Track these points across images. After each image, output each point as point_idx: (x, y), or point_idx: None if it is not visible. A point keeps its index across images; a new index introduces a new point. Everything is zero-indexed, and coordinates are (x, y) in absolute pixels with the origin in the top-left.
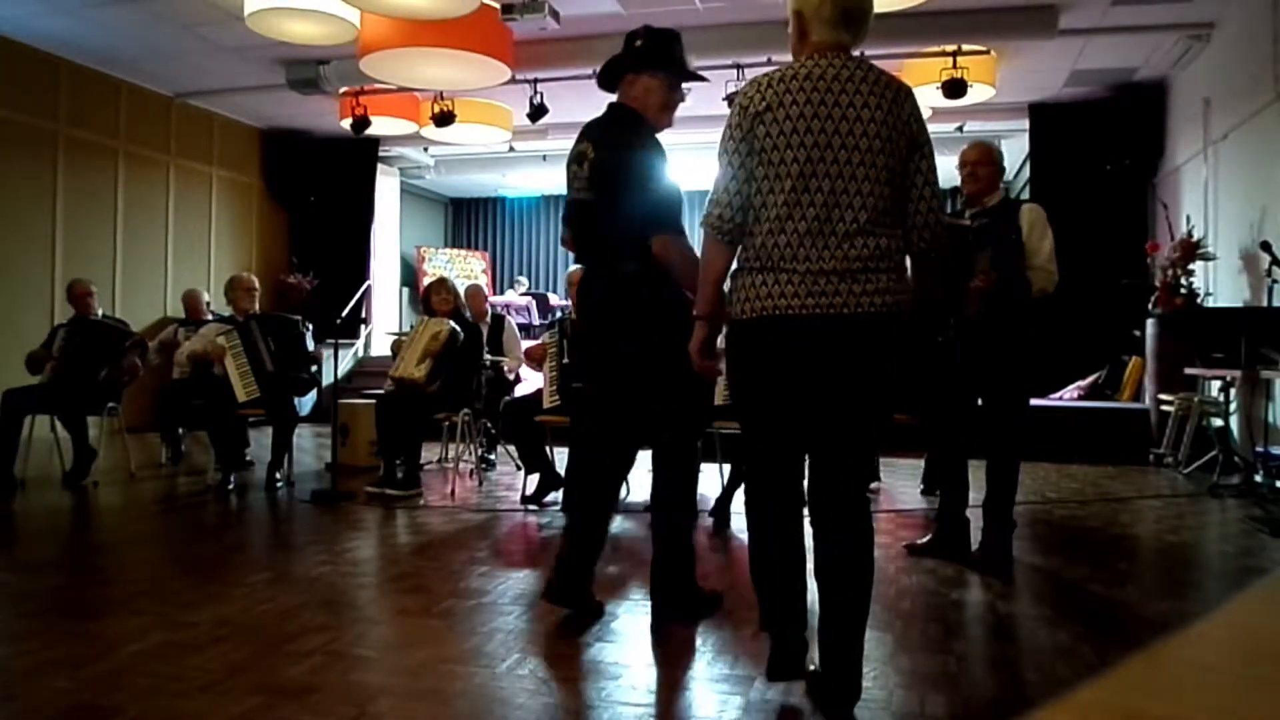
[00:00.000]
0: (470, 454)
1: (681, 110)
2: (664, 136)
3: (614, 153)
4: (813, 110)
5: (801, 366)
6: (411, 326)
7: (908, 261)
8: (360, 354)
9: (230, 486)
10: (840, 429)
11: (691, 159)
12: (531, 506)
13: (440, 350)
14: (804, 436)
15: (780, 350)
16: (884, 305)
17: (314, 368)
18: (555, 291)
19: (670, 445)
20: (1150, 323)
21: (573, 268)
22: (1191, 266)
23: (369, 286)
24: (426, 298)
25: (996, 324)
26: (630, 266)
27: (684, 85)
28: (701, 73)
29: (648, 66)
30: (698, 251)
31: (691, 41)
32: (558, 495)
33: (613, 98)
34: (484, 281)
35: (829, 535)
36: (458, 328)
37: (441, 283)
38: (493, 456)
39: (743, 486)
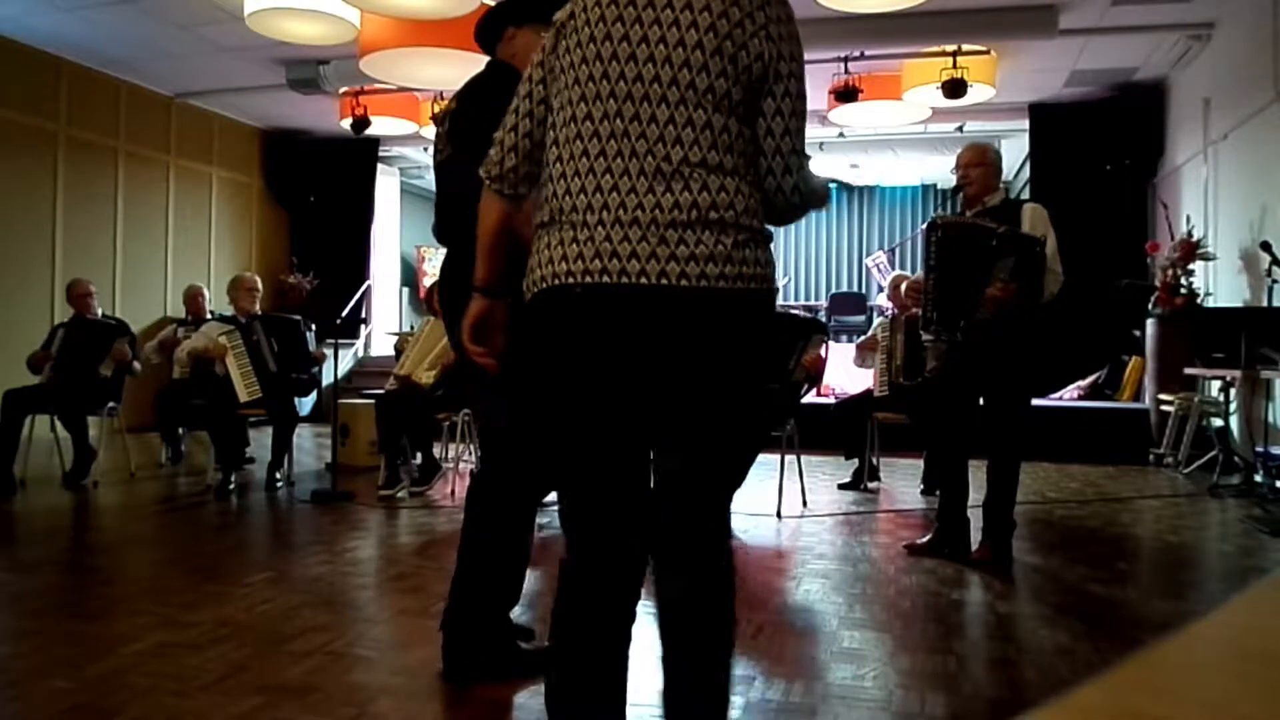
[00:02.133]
0: (470, 454)
1: None
2: None
3: (478, 104)
4: (617, 13)
5: (595, 366)
6: (413, 326)
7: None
8: (360, 354)
9: (230, 486)
10: (673, 456)
11: None
12: None
13: (455, 364)
14: (626, 461)
15: (565, 340)
16: (716, 279)
17: (315, 369)
18: None
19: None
20: (1150, 323)
21: None
22: (1191, 266)
23: (369, 286)
24: (429, 298)
25: (1005, 329)
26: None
27: None
28: None
29: (529, 19)
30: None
31: None
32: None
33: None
34: None
35: (673, 578)
36: None
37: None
38: None
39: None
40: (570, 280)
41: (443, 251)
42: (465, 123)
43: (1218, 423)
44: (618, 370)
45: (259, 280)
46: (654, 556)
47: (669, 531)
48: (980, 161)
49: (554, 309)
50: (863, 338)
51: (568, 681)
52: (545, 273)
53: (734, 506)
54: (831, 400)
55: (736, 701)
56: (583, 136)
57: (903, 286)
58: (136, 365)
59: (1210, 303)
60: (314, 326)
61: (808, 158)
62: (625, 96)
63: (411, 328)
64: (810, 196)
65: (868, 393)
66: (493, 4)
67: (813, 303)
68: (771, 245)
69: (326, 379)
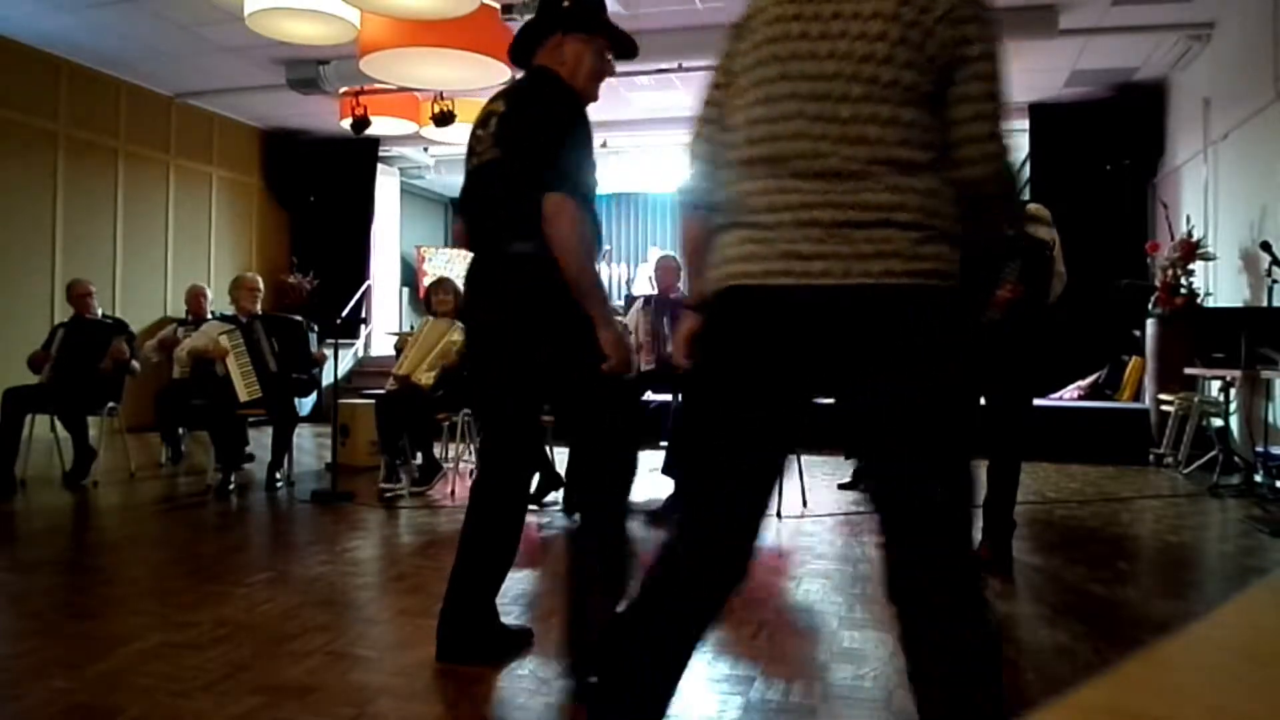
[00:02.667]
0: (470, 454)
1: (682, 110)
2: (663, 136)
3: (532, 107)
4: (795, 10)
5: (767, 366)
6: (413, 326)
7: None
8: (360, 354)
9: (230, 486)
10: (893, 475)
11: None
12: (531, 506)
13: (456, 364)
14: (767, 484)
15: (743, 339)
16: (900, 275)
17: (315, 369)
18: None
19: (596, 445)
20: (1150, 323)
21: None
22: (1191, 266)
23: (369, 286)
24: (428, 298)
25: (1012, 329)
26: (534, 241)
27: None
28: (701, 73)
29: (578, 28)
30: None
31: (691, 41)
32: (558, 495)
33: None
34: None
35: (930, 632)
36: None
37: (440, 283)
38: None
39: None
40: (749, 281)
41: (443, 252)
42: (512, 127)
43: (1218, 423)
44: (789, 371)
45: (260, 280)
46: (900, 604)
47: (913, 570)
48: None
49: (734, 309)
50: None
51: (620, 687)
52: (726, 272)
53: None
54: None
55: (736, 701)
56: (764, 138)
57: None
58: (135, 364)
59: (1210, 303)
60: (315, 327)
61: (1006, 148)
62: (808, 95)
63: (411, 327)
64: (1009, 188)
65: None
66: (497, 5)
67: None
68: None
69: (326, 379)
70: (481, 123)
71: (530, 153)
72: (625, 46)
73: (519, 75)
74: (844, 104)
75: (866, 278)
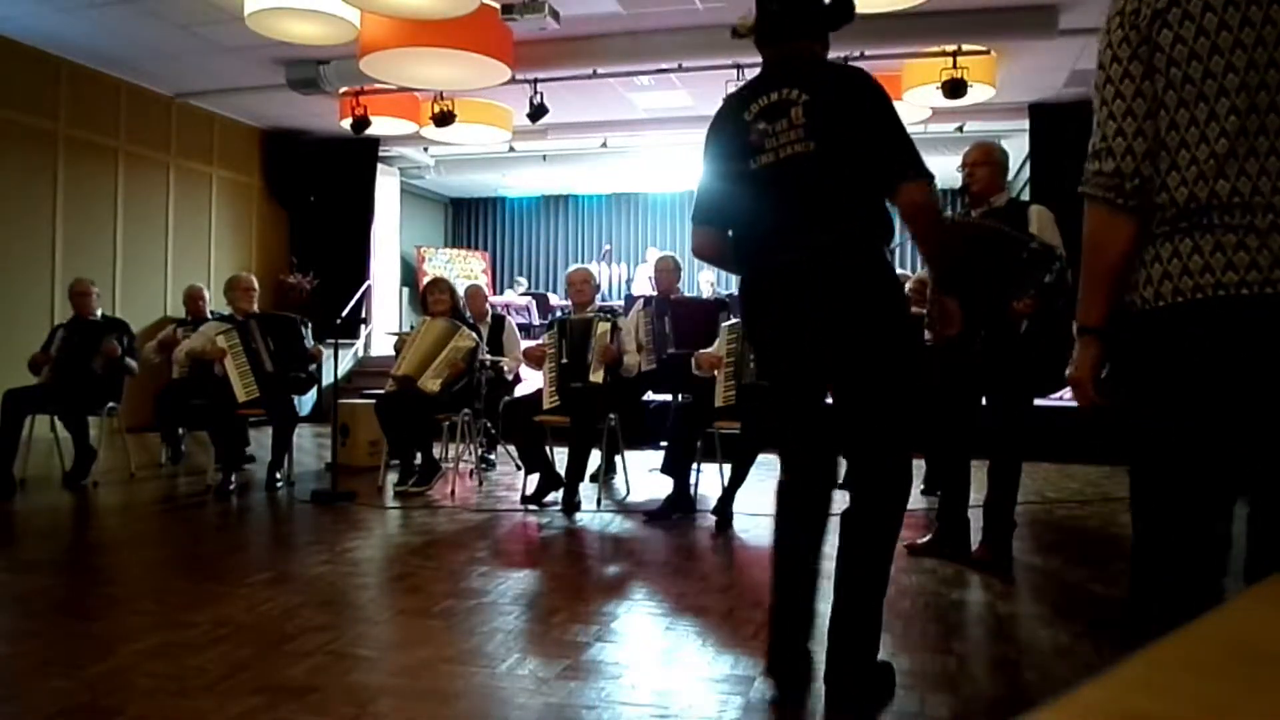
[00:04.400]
0: (470, 454)
1: (682, 110)
2: (664, 136)
3: (845, 89)
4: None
5: (1231, 386)
6: (412, 326)
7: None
8: (360, 354)
9: (230, 486)
10: None
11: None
12: (531, 506)
13: (462, 370)
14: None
15: (1241, 353)
16: None
17: (312, 366)
18: (555, 291)
19: (891, 465)
20: None
21: (573, 267)
22: None
23: (369, 286)
24: (424, 298)
25: (1023, 336)
26: (864, 234)
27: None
28: (701, 73)
29: (832, 29)
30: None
31: (691, 41)
32: (557, 495)
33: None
34: (484, 281)
35: None
36: (480, 342)
37: (435, 284)
38: (493, 456)
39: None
40: (1244, 291)
41: (443, 252)
42: (836, 116)
43: None
44: None
45: (255, 280)
46: None
47: None
48: (986, 160)
49: (1232, 318)
50: None
51: None
52: (1208, 280)
53: (735, 507)
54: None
55: (736, 702)
56: (1236, 131)
57: (906, 286)
58: (132, 364)
59: None
60: (309, 324)
61: None
62: (1259, 86)
63: (411, 327)
64: None
65: None
66: (497, 5)
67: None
68: None
69: (326, 379)
70: (769, 114)
71: (875, 141)
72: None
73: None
74: None
75: None
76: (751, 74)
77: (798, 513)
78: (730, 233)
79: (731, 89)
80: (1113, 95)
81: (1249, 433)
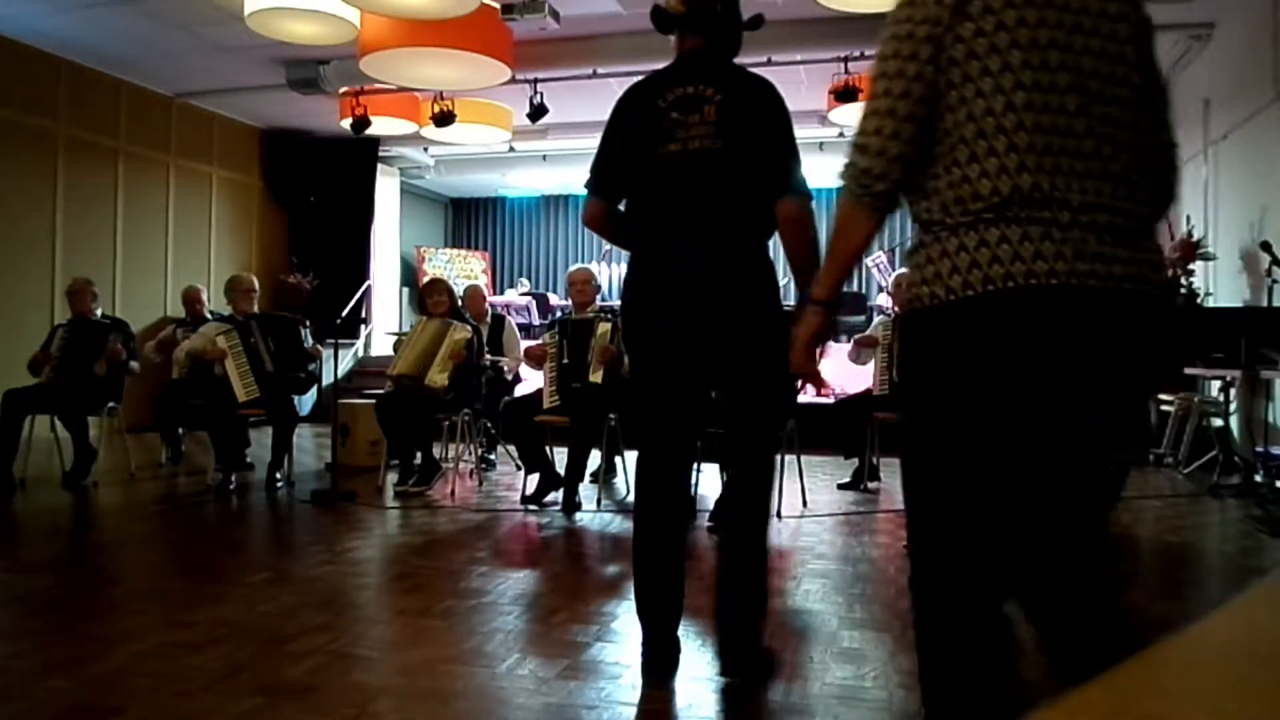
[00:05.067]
0: (470, 454)
1: None
2: None
3: (755, 99)
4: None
5: (1067, 372)
6: (411, 326)
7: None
8: (360, 354)
9: (230, 486)
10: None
11: None
12: (531, 506)
13: (464, 361)
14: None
15: (1032, 344)
16: (1144, 282)
17: (311, 366)
18: (555, 292)
19: (764, 449)
20: None
21: (574, 267)
22: (1191, 266)
23: (369, 286)
24: (422, 299)
25: None
26: (753, 235)
27: None
28: None
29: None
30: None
31: None
32: (557, 495)
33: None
34: (484, 281)
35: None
36: (471, 330)
37: (433, 285)
38: (493, 456)
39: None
40: (1054, 281)
41: (443, 252)
42: (741, 119)
43: (1218, 423)
44: (1086, 379)
45: (255, 280)
46: None
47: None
48: None
49: (1031, 309)
50: (862, 335)
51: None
52: (1014, 269)
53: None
54: (831, 400)
55: (736, 702)
56: (1034, 127)
57: (889, 283)
58: (134, 365)
59: (1210, 303)
60: (308, 323)
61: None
62: (1076, 88)
63: (410, 327)
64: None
65: (867, 392)
66: (497, 5)
67: None
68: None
69: (326, 379)
70: (682, 105)
71: (767, 152)
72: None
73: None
74: (1112, 106)
75: (1139, 284)
76: (751, 71)
77: (664, 509)
78: (623, 207)
79: None
80: (883, 90)
81: (1056, 415)
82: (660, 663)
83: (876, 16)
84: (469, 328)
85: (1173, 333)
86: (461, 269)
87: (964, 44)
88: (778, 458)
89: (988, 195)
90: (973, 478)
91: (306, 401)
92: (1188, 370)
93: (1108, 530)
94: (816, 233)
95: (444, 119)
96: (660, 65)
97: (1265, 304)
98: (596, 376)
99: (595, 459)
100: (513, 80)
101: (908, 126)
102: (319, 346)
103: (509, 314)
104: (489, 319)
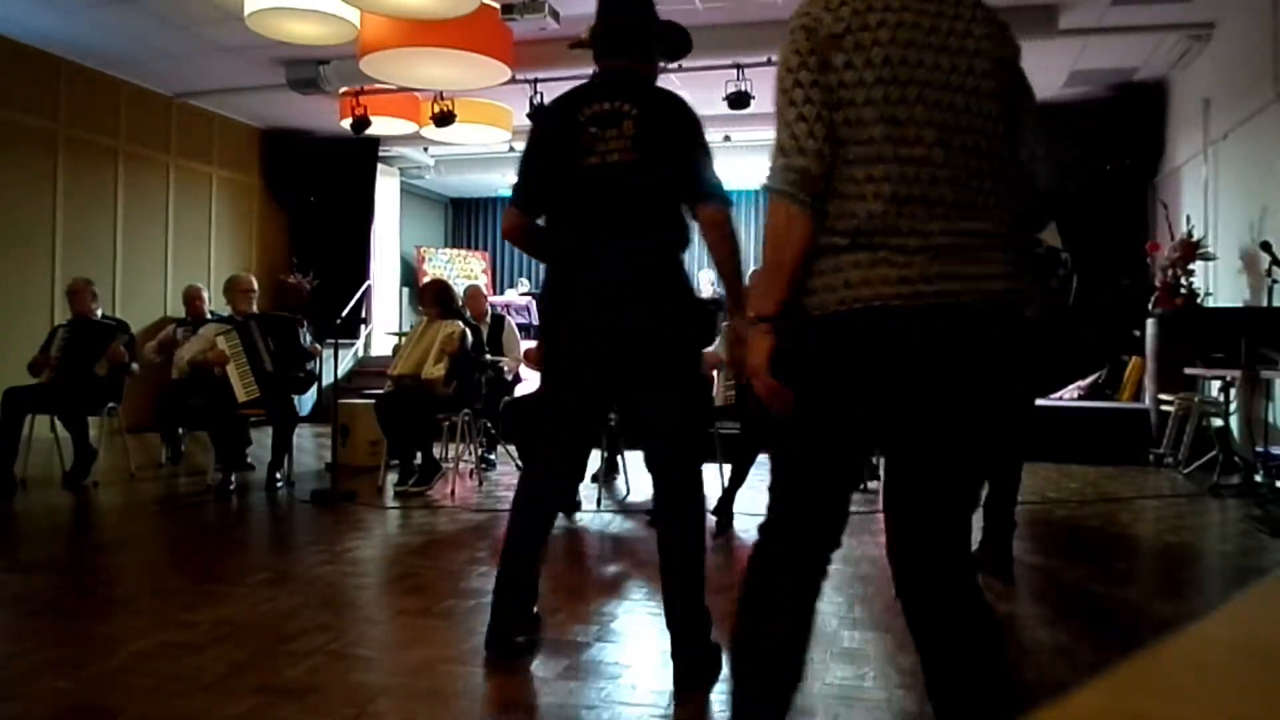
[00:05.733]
0: (470, 454)
1: None
2: None
3: (670, 113)
4: (907, 36)
5: (908, 378)
6: (412, 326)
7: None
8: (360, 354)
9: (230, 486)
10: (945, 472)
11: None
12: None
13: (458, 351)
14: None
15: (880, 355)
16: (1005, 292)
17: (310, 363)
18: None
19: (691, 450)
20: (1150, 323)
21: None
22: (1191, 266)
23: (369, 286)
24: (423, 298)
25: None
26: (671, 243)
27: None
28: (702, 73)
29: (666, 59)
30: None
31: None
32: None
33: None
34: (484, 282)
35: (958, 653)
36: (466, 328)
37: (423, 291)
38: (493, 456)
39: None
40: (896, 302)
41: (443, 252)
42: (656, 132)
43: (1218, 423)
44: (926, 383)
45: (255, 280)
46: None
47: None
48: None
49: (874, 325)
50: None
51: (753, 645)
52: (862, 292)
53: (735, 507)
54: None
55: None
56: (885, 158)
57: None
58: (134, 366)
59: (1210, 303)
60: (305, 321)
61: (1065, 157)
62: (926, 122)
63: (410, 327)
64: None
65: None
66: (497, 5)
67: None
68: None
69: (326, 379)
70: (601, 120)
71: (684, 162)
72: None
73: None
74: (969, 135)
75: (979, 296)
76: (750, 74)
77: (542, 512)
78: (542, 221)
79: (731, 89)
80: (802, 99)
81: (902, 422)
82: (495, 646)
83: None
84: (460, 324)
85: (1014, 337)
86: (461, 269)
87: (837, 73)
88: (702, 462)
89: (850, 222)
90: (810, 456)
91: (306, 401)
92: (1188, 370)
93: (954, 519)
94: (737, 237)
95: (444, 119)
96: (660, 66)
97: (1265, 304)
98: None
99: (595, 459)
100: (513, 80)
101: (820, 126)
102: (317, 345)
103: (509, 314)
104: (489, 319)
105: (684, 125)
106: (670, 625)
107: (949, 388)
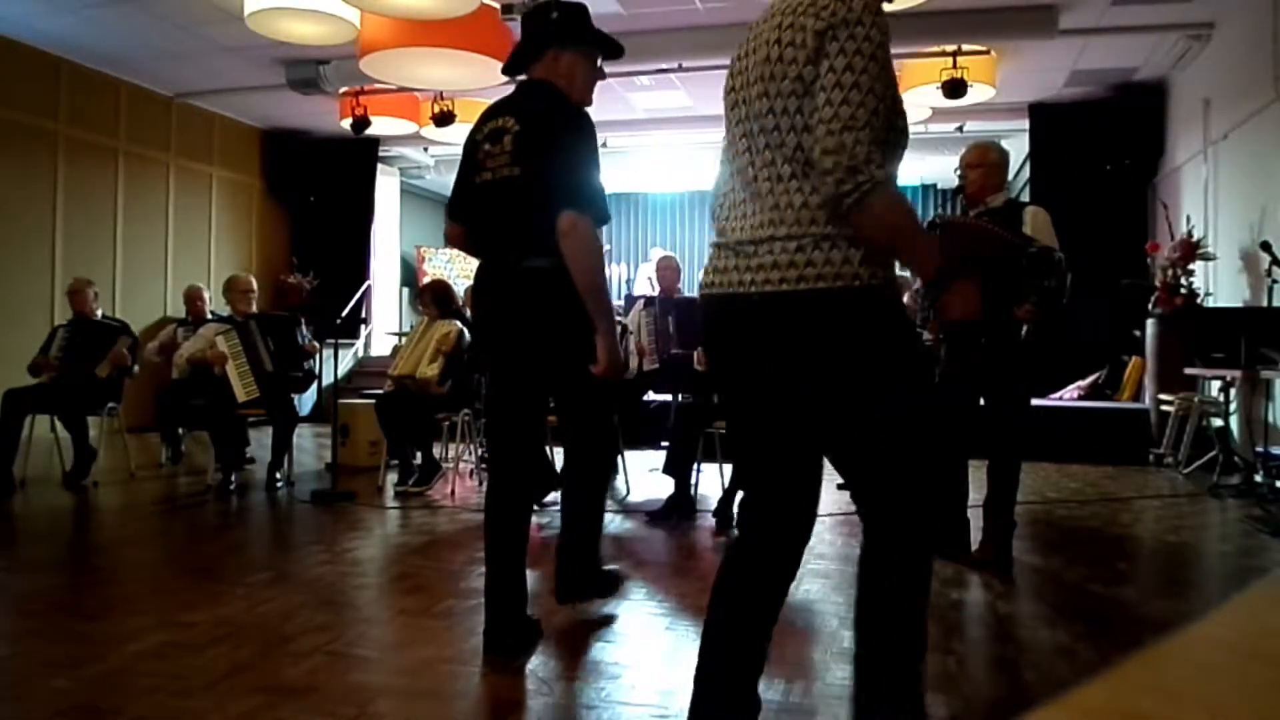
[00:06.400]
0: (470, 454)
1: (681, 110)
2: (664, 136)
3: (544, 124)
4: (740, 57)
5: (731, 359)
6: (411, 326)
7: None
8: (360, 354)
9: (230, 486)
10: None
11: (694, 159)
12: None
13: (452, 350)
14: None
15: (715, 333)
16: (780, 282)
17: (308, 362)
18: None
19: (592, 430)
20: (1150, 323)
21: None
22: (1191, 266)
23: (369, 286)
24: (423, 298)
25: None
26: (550, 257)
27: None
28: (701, 73)
29: (571, 42)
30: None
31: (692, 41)
32: (557, 495)
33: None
34: None
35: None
36: (464, 328)
37: (421, 292)
38: None
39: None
40: (706, 291)
41: (443, 252)
42: (536, 146)
43: (1218, 423)
44: (742, 366)
45: (254, 281)
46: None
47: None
48: (979, 162)
49: (705, 311)
50: None
51: (708, 625)
52: (704, 280)
53: (735, 507)
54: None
55: None
56: (730, 169)
57: (904, 297)
58: (135, 368)
59: (1210, 303)
60: (302, 320)
61: (868, 129)
62: (743, 135)
63: (411, 327)
64: (854, 174)
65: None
66: (497, 5)
67: None
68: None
69: (326, 379)
70: (491, 137)
71: (552, 172)
72: (612, 49)
73: (512, 86)
74: (744, 138)
75: (754, 286)
76: (559, 100)
77: (504, 513)
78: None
79: None
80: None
81: (737, 394)
82: (494, 643)
83: (975, 11)
84: (457, 324)
85: (801, 319)
86: (461, 269)
87: (734, 94)
88: (605, 438)
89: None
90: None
91: (306, 401)
92: (1188, 370)
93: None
94: (594, 247)
95: (444, 119)
96: (658, 67)
97: (1265, 304)
98: None
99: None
100: (513, 80)
101: None
102: (314, 342)
103: None
104: None
105: (557, 135)
106: (560, 561)
107: (726, 364)
